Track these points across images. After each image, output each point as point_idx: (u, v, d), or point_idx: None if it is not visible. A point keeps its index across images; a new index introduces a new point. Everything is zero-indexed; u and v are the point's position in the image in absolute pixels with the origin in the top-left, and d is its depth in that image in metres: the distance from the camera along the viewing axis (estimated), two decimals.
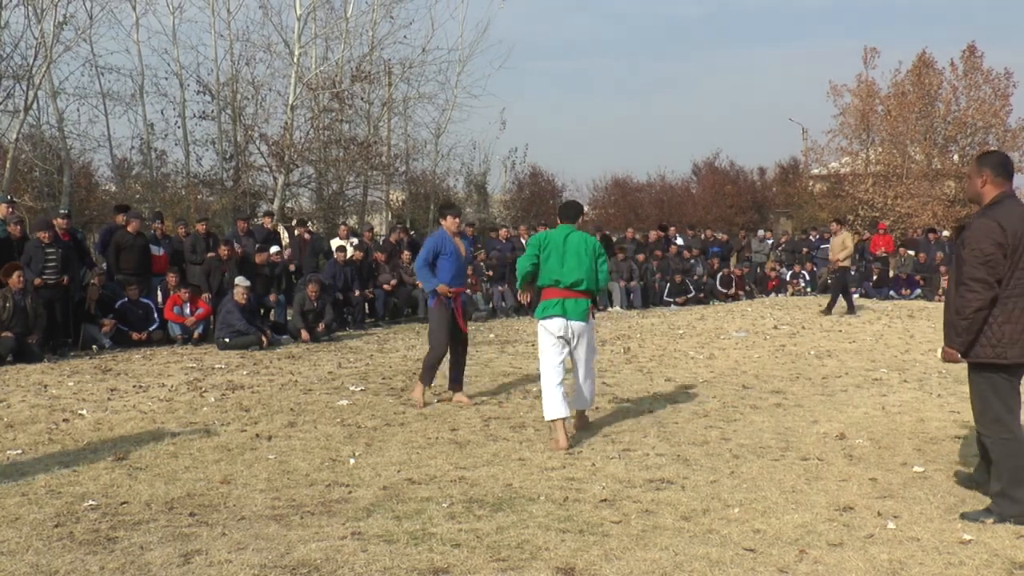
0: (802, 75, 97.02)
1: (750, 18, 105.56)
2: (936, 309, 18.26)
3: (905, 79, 33.70)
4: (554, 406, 6.77)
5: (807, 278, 22.92)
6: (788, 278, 22.95)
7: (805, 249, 23.78)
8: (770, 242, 24.86)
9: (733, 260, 24.08)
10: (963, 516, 5.04)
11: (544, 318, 6.97)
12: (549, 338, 6.97)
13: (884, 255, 23.61)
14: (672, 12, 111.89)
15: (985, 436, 5.10)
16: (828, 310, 17.09)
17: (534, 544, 4.61)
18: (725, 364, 10.84)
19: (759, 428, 7.32)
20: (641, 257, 19.74)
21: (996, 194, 5.03)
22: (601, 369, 10.43)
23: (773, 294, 22.54)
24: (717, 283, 21.08)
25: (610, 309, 18.50)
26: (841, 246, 17.06)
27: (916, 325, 15.20)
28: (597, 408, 8.17)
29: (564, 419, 6.77)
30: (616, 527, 4.87)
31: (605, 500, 5.36)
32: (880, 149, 34.16)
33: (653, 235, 21.44)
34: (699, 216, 35.30)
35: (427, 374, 8.38)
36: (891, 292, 21.76)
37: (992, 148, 29.74)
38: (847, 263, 17.21)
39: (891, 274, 23.00)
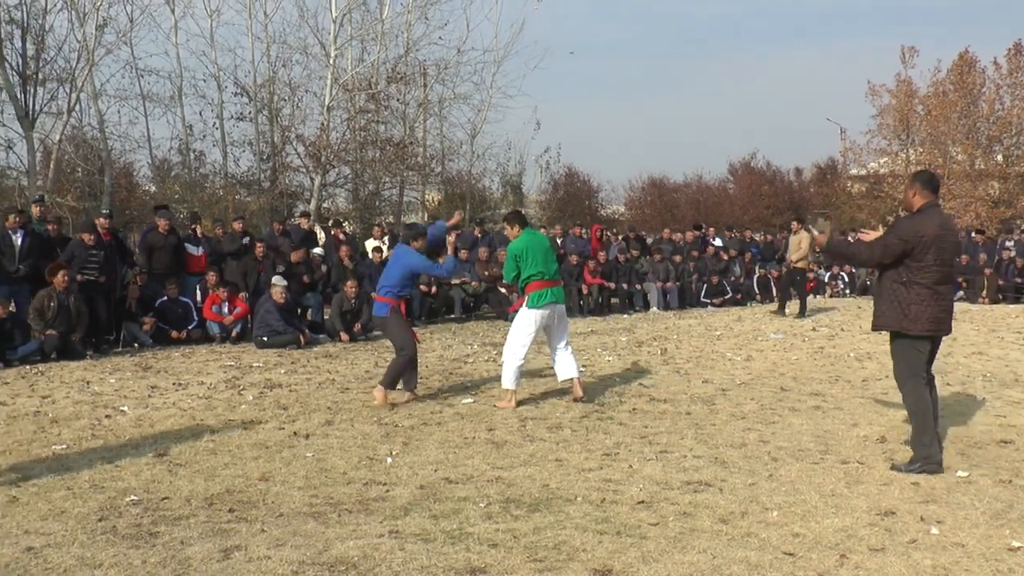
0: (840, 75, 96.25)
1: (787, 18, 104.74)
2: (980, 312, 18.01)
3: (946, 78, 33.23)
4: (514, 378, 8.21)
5: (846, 280, 22.68)
6: (826, 280, 22.71)
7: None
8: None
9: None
10: (893, 467, 6.16)
11: (539, 307, 8.21)
12: (534, 324, 8.25)
13: None
14: (708, 12, 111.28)
15: (902, 390, 6.35)
16: (801, 312, 16.87)
17: (571, 545, 4.60)
18: (763, 366, 10.76)
19: (798, 431, 7.25)
20: (678, 258, 19.62)
21: (922, 204, 6.22)
22: (638, 370, 10.41)
23: (811, 296, 22.30)
24: (754, 285, 20.91)
25: (650, 311, 18.43)
26: (797, 246, 16.87)
27: (958, 328, 14.87)
28: (634, 409, 8.16)
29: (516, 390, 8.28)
30: (654, 529, 4.85)
31: (642, 502, 5.34)
32: (920, 149, 33.71)
33: (690, 235, 21.31)
34: (736, 217, 35.10)
35: (396, 379, 8.53)
36: None
37: None
38: (801, 264, 16.97)
39: None
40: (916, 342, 6.22)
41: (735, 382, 9.65)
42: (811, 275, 22.21)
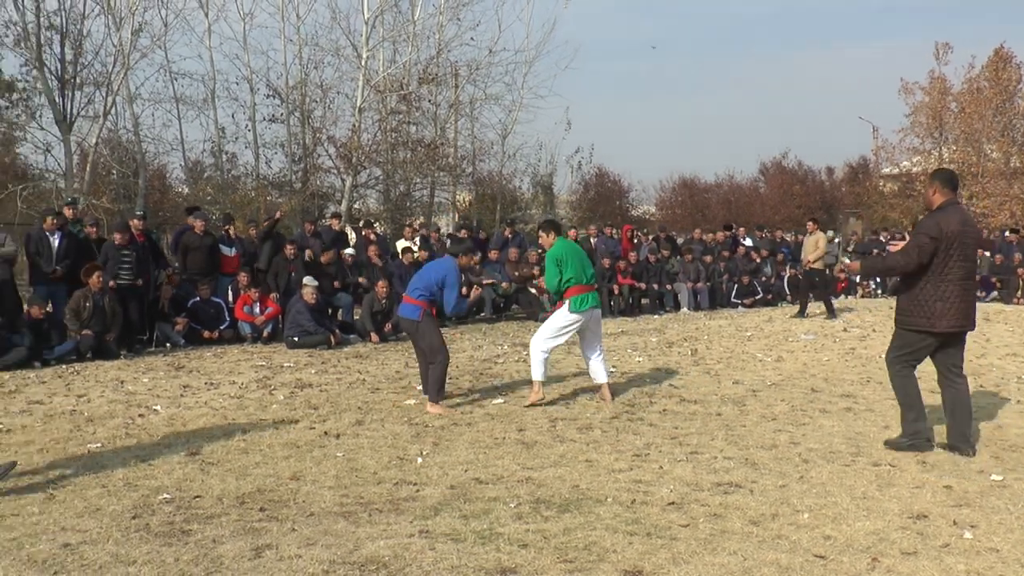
0: (872, 73, 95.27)
1: (818, 16, 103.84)
2: (1014, 312, 17.76)
3: (980, 75, 32.78)
4: (540, 371, 8.34)
5: (877, 280, 22.45)
6: (858, 280, 22.50)
7: (875, 251, 23.28)
8: (838, 243, 24.41)
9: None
10: (886, 444, 6.69)
11: (582, 312, 8.30)
12: (572, 327, 8.38)
13: None
14: (739, 11, 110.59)
15: (890, 374, 6.76)
16: (801, 312, 16.70)
17: (601, 546, 4.60)
18: (793, 367, 10.69)
19: (829, 432, 7.21)
20: (708, 258, 19.54)
21: (942, 201, 6.45)
22: (668, 371, 10.38)
23: (842, 296, 22.13)
24: (785, 285, 20.76)
25: (681, 311, 18.37)
26: (814, 247, 16.64)
27: (992, 329, 14.74)
28: (665, 410, 8.14)
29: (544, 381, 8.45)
30: (684, 531, 4.85)
31: (673, 503, 5.33)
32: (954, 147, 33.26)
33: (720, 236, 21.21)
34: (767, 217, 34.88)
35: (443, 387, 8.42)
36: None
37: None
38: (818, 265, 16.77)
39: None
40: (923, 336, 6.48)
41: (766, 383, 9.60)
42: (842, 275, 22.05)
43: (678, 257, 19.41)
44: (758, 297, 19.64)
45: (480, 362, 11.27)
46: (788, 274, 20.90)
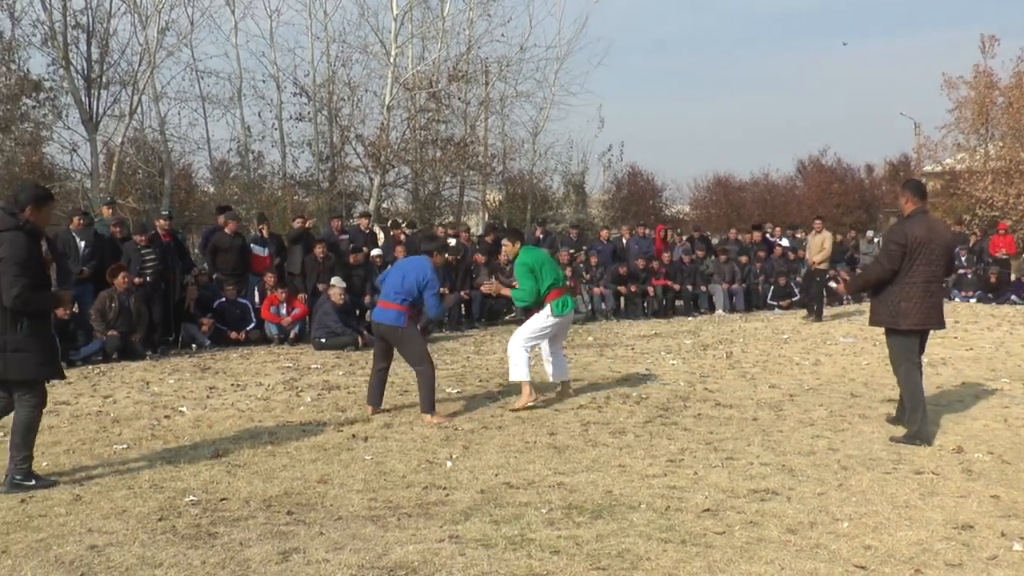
0: (914, 67, 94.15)
1: (857, 10, 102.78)
2: None
3: None
4: (526, 371, 8.26)
5: None
6: None
7: None
8: (877, 242, 23.97)
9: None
10: (892, 439, 6.98)
11: (564, 314, 8.35)
12: (552, 328, 8.41)
13: (1005, 257, 22.41)
14: (775, 5, 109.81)
15: (897, 376, 7.25)
16: (818, 316, 16.45)
17: (635, 553, 4.51)
18: (832, 371, 10.49)
19: (869, 439, 7.04)
20: (744, 259, 19.31)
21: (912, 209, 7.08)
22: (703, 374, 10.23)
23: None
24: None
25: (716, 313, 18.18)
26: (819, 247, 16.46)
27: None
28: (699, 414, 8.01)
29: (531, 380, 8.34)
30: (720, 538, 4.74)
31: (708, 510, 5.22)
32: (1001, 144, 32.56)
33: (756, 236, 20.94)
34: (804, 216, 34.46)
35: (434, 396, 8.00)
36: (1012, 297, 20.71)
37: None
38: (823, 265, 16.55)
39: (1012, 277, 21.91)
40: (907, 335, 7.08)
41: (803, 387, 9.42)
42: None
43: (713, 258, 19.22)
44: (795, 299, 19.36)
45: None
46: (828, 275, 20.59)
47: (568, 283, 8.61)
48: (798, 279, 19.88)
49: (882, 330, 7.39)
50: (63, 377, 6.27)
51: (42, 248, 5.97)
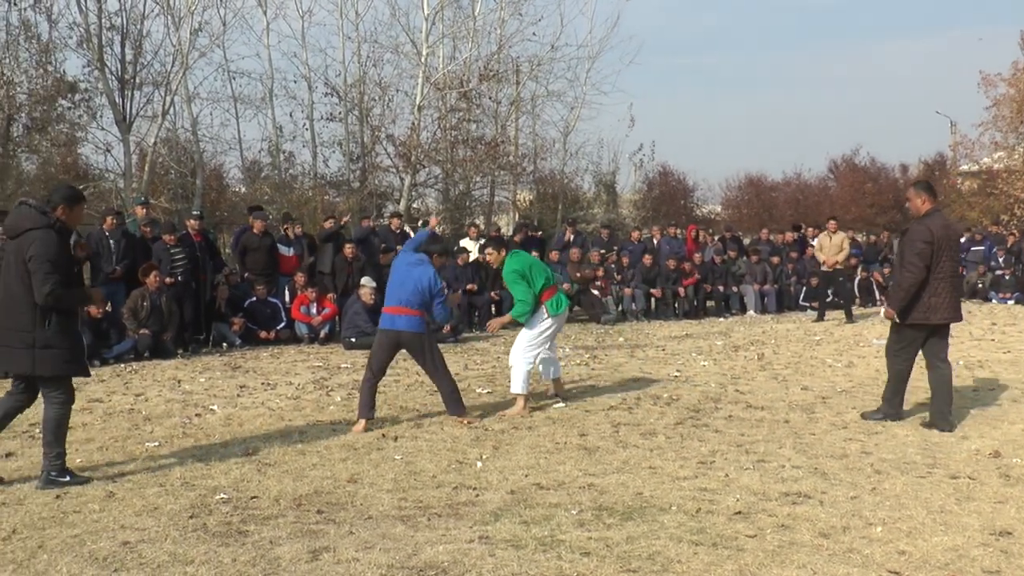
0: (950, 65, 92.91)
1: (891, 5, 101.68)
2: None
3: None
4: (526, 385, 8.11)
5: None
6: None
7: None
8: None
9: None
10: (863, 415, 7.75)
11: (560, 313, 8.26)
12: (552, 329, 8.30)
13: None
14: (808, 3, 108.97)
15: (894, 363, 7.62)
16: (849, 317, 16.31)
17: (665, 556, 4.48)
18: (865, 373, 10.37)
19: (903, 442, 6.94)
20: (776, 259, 19.17)
21: (928, 208, 7.37)
22: (734, 376, 10.17)
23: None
24: (855, 288, 20.25)
25: (747, 314, 18.06)
26: (839, 247, 16.38)
27: None
28: (730, 416, 7.95)
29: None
30: (751, 541, 4.69)
31: (739, 513, 5.17)
32: None
33: (789, 236, 20.77)
34: (837, 216, 34.15)
35: (460, 398, 7.95)
36: None
37: None
38: (841, 266, 16.46)
39: None
40: (918, 330, 7.42)
41: (836, 389, 9.33)
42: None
43: (744, 258, 19.08)
44: (828, 300, 19.18)
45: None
46: (860, 276, 20.38)
47: (558, 282, 8.49)
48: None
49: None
50: (88, 375, 6.34)
51: (71, 246, 6.03)
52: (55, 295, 5.66)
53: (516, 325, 8.44)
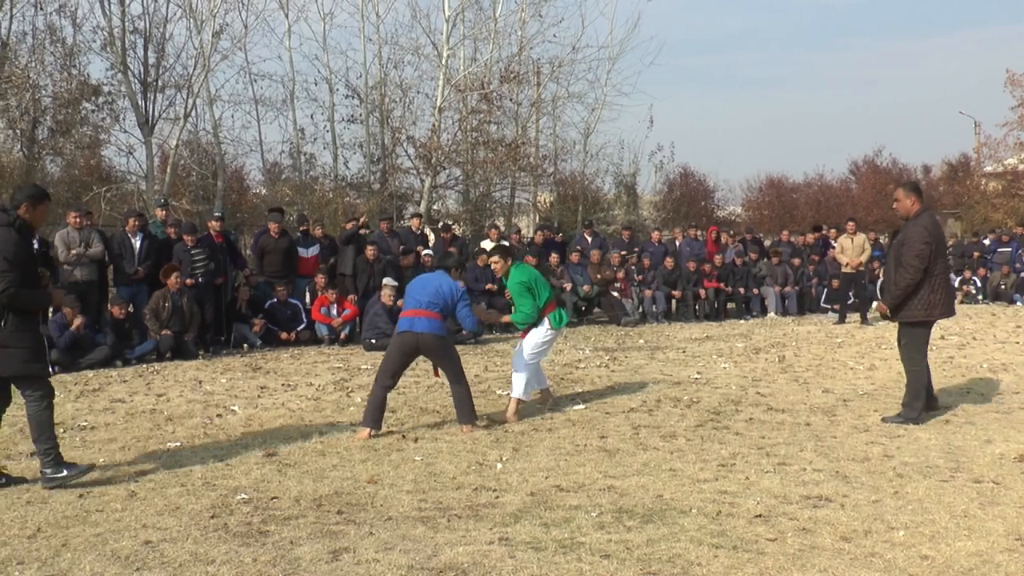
0: (974, 65, 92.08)
1: (915, 4, 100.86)
2: None
3: None
4: (526, 392, 8.08)
5: (978, 284, 21.64)
6: (957, 284, 21.70)
7: (976, 253, 22.43)
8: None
9: None
10: (884, 419, 7.69)
11: (561, 327, 8.28)
12: (550, 340, 8.29)
13: None
14: (830, 2, 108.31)
15: (911, 367, 7.76)
16: (864, 319, 16.23)
17: (686, 559, 4.47)
18: (887, 376, 10.30)
19: (925, 446, 6.89)
20: (797, 261, 19.07)
21: (919, 209, 7.66)
22: (755, 378, 10.12)
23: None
24: (878, 290, 20.12)
25: (768, 316, 17.98)
26: (861, 248, 16.38)
27: None
28: (751, 419, 7.92)
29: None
30: (772, 545, 4.67)
31: (760, 516, 5.15)
32: None
33: (810, 238, 20.66)
34: (859, 217, 33.90)
35: (473, 406, 7.73)
36: None
37: None
38: (862, 267, 16.45)
39: None
40: (925, 327, 7.70)
41: (857, 392, 9.27)
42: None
43: (765, 260, 19.00)
44: (850, 302, 19.07)
45: (561, 367, 11.15)
46: (882, 278, 20.24)
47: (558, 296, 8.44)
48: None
49: (937, 335, 7.39)
50: (48, 376, 6.11)
51: (34, 247, 5.98)
52: (9, 294, 5.62)
53: (508, 329, 8.39)
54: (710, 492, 5.64)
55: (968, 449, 6.77)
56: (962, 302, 21.03)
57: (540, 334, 8.16)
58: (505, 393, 9.24)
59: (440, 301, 7.50)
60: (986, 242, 23.07)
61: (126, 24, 21.09)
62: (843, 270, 16.74)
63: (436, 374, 8.01)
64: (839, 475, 6.03)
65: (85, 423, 7.92)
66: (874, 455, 6.58)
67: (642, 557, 4.49)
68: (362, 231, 15.49)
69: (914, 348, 7.76)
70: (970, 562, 4.44)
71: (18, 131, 21.20)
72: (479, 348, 12.97)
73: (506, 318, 8.49)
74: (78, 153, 22.66)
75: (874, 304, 7.79)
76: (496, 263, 8.30)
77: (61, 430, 7.58)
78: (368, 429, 7.25)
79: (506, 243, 14.69)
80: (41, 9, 20.87)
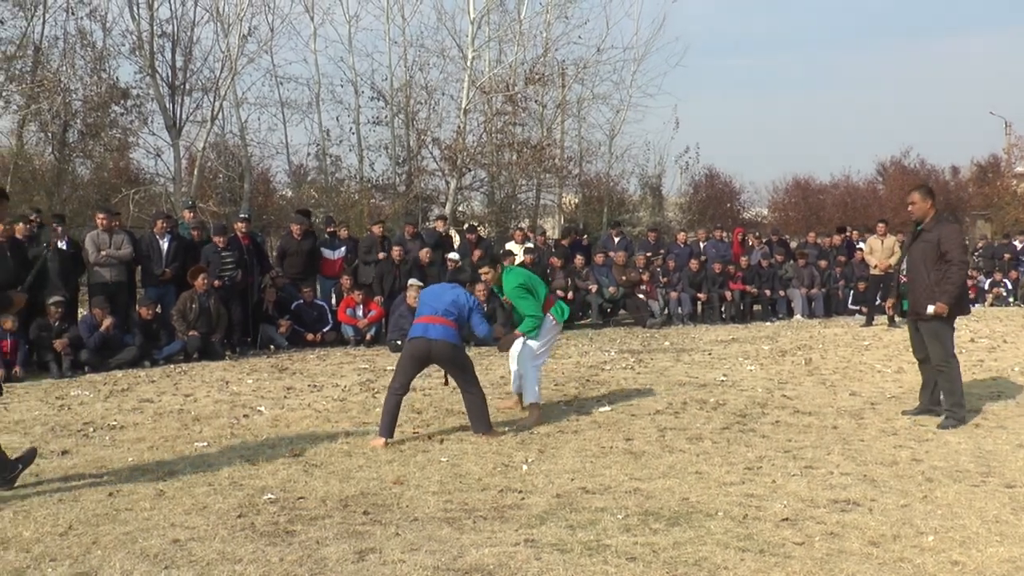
0: (1005, 65, 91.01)
1: (944, 4, 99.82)
2: None
3: None
4: (539, 392, 8.03)
5: (1009, 286, 21.39)
6: (987, 287, 21.46)
7: (1007, 255, 22.18)
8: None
9: None
10: (940, 427, 7.54)
11: (564, 319, 8.27)
12: (553, 335, 8.23)
13: None
14: (856, 3, 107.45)
15: (941, 368, 7.72)
16: (892, 321, 16.03)
17: (712, 562, 4.45)
18: (915, 379, 10.12)
19: (955, 450, 6.82)
20: (823, 263, 18.93)
21: (935, 212, 7.85)
22: (781, 381, 10.06)
23: (970, 304, 21.06)
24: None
25: (794, 318, 17.87)
26: (891, 250, 16.22)
27: None
28: (777, 421, 7.88)
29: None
30: (799, 549, 4.64)
31: (787, 519, 5.12)
32: None
33: (837, 239, 20.50)
34: (887, 219, 33.64)
35: (488, 416, 7.53)
36: None
37: None
38: (892, 270, 16.21)
39: None
40: (952, 324, 7.81)
41: (885, 395, 9.19)
42: (970, 282, 21.05)
43: (791, 261, 18.87)
44: (876, 304, 18.91)
45: (586, 368, 11.13)
46: (902, 281, 20.05)
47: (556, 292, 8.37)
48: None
49: (967, 338, 7.36)
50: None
51: None
52: None
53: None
54: (736, 495, 5.62)
55: (999, 453, 6.70)
56: (992, 304, 20.83)
57: (545, 332, 8.07)
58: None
59: (456, 310, 7.39)
60: (1017, 244, 22.79)
61: (154, 28, 21.33)
62: (872, 271, 16.60)
63: (446, 383, 7.99)
64: (867, 479, 5.99)
65: (114, 423, 7.99)
66: (902, 459, 6.53)
67: (668, 560, 4.48)
68: (385, 233, 15.54)
69: (945, 348, 7.73)
70: (1002, 568, 4.39)
71: (49, 134, 21.49)
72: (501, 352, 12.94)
73: (518, 333, 8.08)
74: (107, 156, 22.93)
75: (930, 308, 7.55)
76: (486, 273, 8.12)
77: (91, 429, 7.69)
78: (383, 439, 7.11)
79: (493, 251, 14.64)
80: (72, 14, 21.14)
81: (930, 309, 7.60)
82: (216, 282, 12.63)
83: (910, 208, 8.01)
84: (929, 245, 7.72)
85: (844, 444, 7.00)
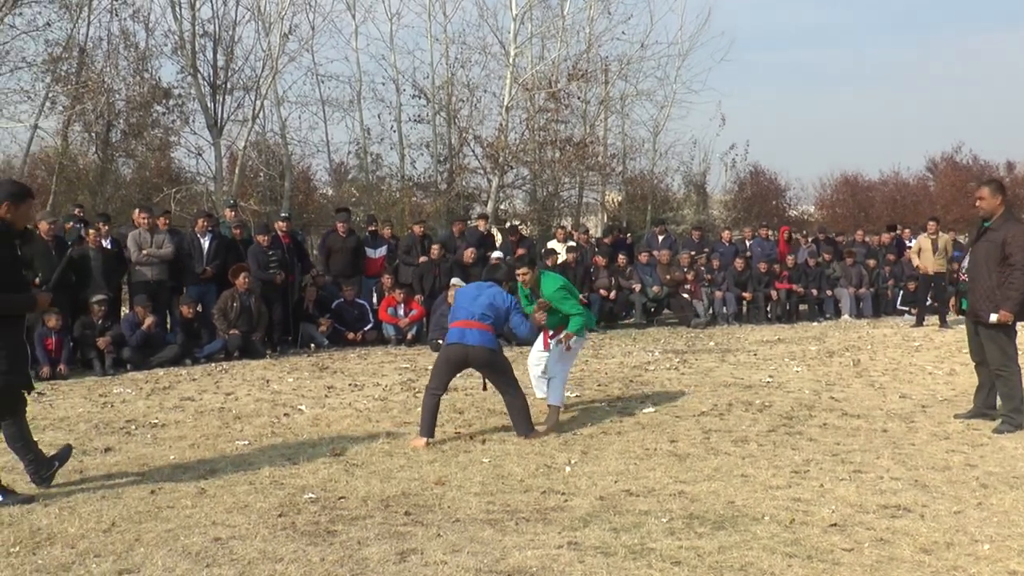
0: None
1: None
2: None
3: None
4: (563, 396, 7.95)
5: None
6: None
7: None
8: None
9: None
10: (995, 431, 7.32)
11: (594, 325, 8.04)
12: (584, 340, 8.16)
13: None
14: None
15: (1001, 372, 7.47)
16: (943, 321, 15.72)
17: (758, 567, 4.36)
18: (968, 381, 9.93)
19: (1011, 455, 6.63)
20: (872, 262, 18.62)
21: (1003, 208, 7.51)
22: (828, 383, 9.88)
23: None
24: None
25: (842, 318, 17.61)
26: (944, 249, 15.96)
27: None
28: (825, 424, 7.74)
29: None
30: (848, 555, 4.53)
31: (835, 525, 5.00)
32: None
33: (886, 238, 20.16)
34: (938, 216, 33.03)
35: (530, 417, 7.46)
36: None
37: None
38: (941, 270, 16.00)
39: None
40: (1013, 327, 7.52)
41: (936, 398, 8.99)
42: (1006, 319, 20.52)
43: (839, 260, 18.58)
44: (927, 304, 18.56)
45: (630, 369, 11.03)
46: (962, 279, 19.64)
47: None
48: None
49: None
50: (31, 388, 5.78)
51: (16, 248, 5.54)
52: None
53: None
54: (783, 499, 5.50)
55: None
56: None
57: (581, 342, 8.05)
58: (574, 395, 9.14)
59: (492, 313, 7.27)
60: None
61: (196, 28, 21.57)
62: (922, 272, 16.28)
63: (484, 388, 7.91)
64: (918, 484, 5.84)
65: (156, 421, 8.05)
66: (955, 464, 6.36)
67: (713, 565, 4.39)
68: (426, 232, 15.55)
69: (1007, 354, 7.48)
70: None
71: (93, 134, 21.82)
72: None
73: (569, 334, 7.71)
74: (149, 155, 23.21)
75: (993, 317, 7.34)
76: (524, 274, 7.78)
77: (133, 427, 7.75)
78: (425, 439, 7.03)
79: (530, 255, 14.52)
80: (116, 15, 21.46)
81: (993, 317, 7.38)
82: (276, 278, 12.70)
83: (978, 204, 7.68)
84: (994, 245, 7.47)
85: (894, 448, 6.84)
